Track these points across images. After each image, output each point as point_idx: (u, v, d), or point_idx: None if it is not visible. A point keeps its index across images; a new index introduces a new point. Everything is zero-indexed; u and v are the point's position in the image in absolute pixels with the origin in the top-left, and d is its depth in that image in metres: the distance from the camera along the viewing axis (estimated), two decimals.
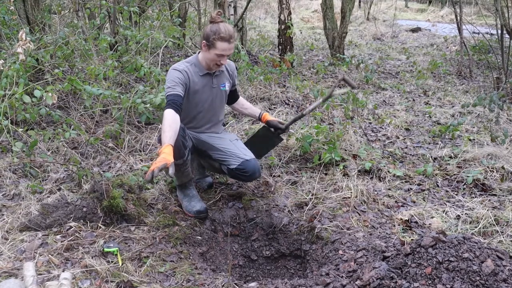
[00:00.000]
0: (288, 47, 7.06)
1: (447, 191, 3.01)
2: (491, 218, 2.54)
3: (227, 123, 4.28)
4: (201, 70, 2.67)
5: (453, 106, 5.11)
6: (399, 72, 7.07)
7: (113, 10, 5.03)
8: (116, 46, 4.78)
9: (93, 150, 3.43)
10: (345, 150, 3.52)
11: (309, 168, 3.33)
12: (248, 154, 2.71)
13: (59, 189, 2.84)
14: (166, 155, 2.20)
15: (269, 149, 3.13)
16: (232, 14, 6.88)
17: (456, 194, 2.95)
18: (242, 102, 3.05)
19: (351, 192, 2.89)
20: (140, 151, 3.50)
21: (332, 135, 3.45)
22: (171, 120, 2.39)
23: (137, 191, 2.78)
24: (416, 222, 2.59)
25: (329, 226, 2.53)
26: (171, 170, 2.17)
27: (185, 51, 6.31)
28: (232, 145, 2.77)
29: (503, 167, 3.18)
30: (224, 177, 3.06)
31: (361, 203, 2.83)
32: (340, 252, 2.28)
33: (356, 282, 1.90)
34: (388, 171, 3.22)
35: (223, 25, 2.52)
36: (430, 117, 4.74)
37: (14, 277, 1.96)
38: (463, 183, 3.07)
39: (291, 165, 3.41)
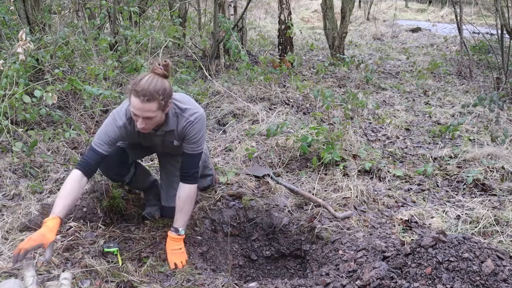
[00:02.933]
0: (288, 47, 7.06)
1: (447, 191, 3.01)
2: (491, 218, 2.54)
3: (227, 123, 4.27)
4: None
5: (453, 106, 5.11)
6: (399, 72, 7.07)
7: (113, 10, 5.03)
8: (116, 46, 4.78)
9: None
10: (345, 150, 3.52)
11: (309, 168, 3.33)
12: (170, 199, 2.49)
13: (59, 189, 2.83)
14: (47, 232, 1.86)
15: None
16: (232, 14, 6.88)
17: (456, 194, 2.95)
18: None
19: (351, 192, 2.89)
20: None
21: (332, 135, 3.45)
22: (70, 187, 2.02)
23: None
24: (416, 222, 2.58)
25: (329, 226, 2.52)
26: (48, 255, 1.83)
27: (185, 51, 6.31)
28: (170, 178, 2.53)
29: (503, 167, 3.18)
30: (225, 178, 3.06)
31: (361, 203, 2.83)
32: (340, 252, 2.28)
33: (356, 282, 1.90)
34: (388, 171, 3.22)
35: (150, 79, 1.96)
36: (430, 117, 4.74)
37: (14, 277, 1.96)
38: (463, 183, 3.07)
39: (291, 165, 3.41)
